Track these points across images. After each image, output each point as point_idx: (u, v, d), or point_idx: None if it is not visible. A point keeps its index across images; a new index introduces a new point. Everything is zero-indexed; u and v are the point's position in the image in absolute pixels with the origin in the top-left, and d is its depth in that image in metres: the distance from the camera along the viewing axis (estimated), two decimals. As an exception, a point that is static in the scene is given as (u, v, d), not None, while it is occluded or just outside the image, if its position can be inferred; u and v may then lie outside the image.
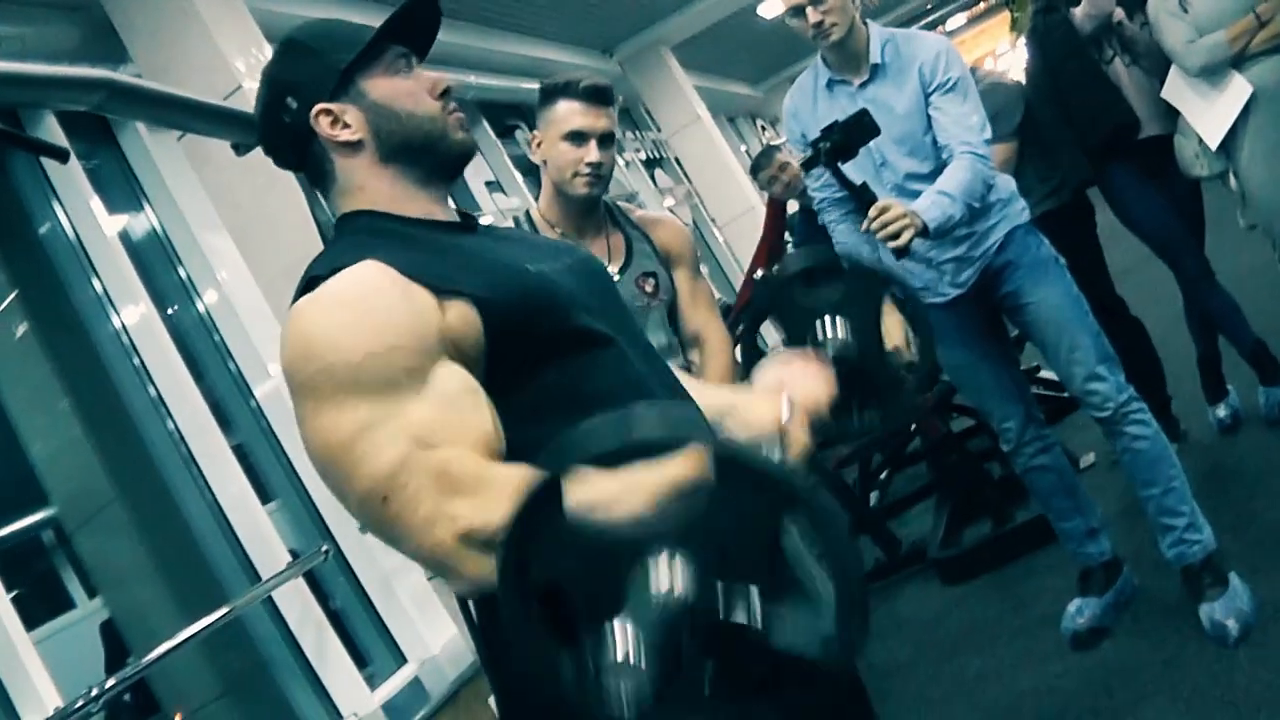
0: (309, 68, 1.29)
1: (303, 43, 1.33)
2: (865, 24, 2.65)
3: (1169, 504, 2.62)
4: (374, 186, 1.29)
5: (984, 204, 2.60)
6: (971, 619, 3.34)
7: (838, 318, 1.48)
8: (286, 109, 1.28)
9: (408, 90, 1.30)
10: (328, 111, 1.27)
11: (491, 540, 1.03)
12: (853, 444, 4.10)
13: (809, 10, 2.56)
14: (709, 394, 1.36)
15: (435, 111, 1.30)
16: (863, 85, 2.64)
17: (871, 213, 2.38)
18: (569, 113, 2.13)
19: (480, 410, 1.14)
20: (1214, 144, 3.16)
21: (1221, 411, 3.56)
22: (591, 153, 2.11)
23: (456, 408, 1.12)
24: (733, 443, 0.98)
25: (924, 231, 2.40)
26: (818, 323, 1.50)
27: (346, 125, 1.27)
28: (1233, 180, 3.25)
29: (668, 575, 0.87)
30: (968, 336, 2.75)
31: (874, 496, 4.54)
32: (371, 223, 1.28)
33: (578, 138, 2.11)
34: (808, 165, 2.50)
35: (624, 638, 0.86)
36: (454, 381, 1.13)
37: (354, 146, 1.28)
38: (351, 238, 1.26)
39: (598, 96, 2.14)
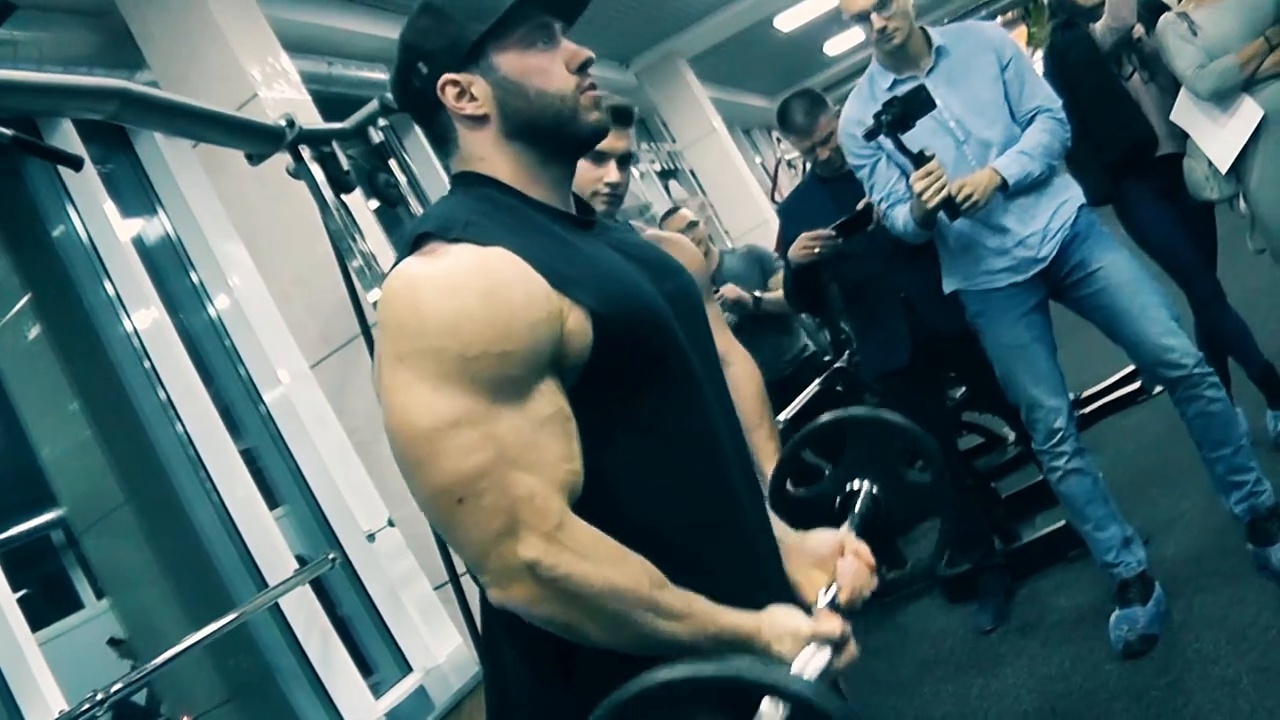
0: (442, 34, 1.24)
1: (439, 7, 1.26)
2: (920, 27, 2.84)
3: (1239, 461, 2.76)
4: (496, 161, 1.26)
5: (1058, 170, 2.78)
6: (976, 638, 3.34)
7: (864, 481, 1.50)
8: (417, 73, 1.25)
9: (540, 66, 1.25)
10: (455, 83, 1.24)
11: (554, 580, 1.07)
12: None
13: (874, 17, 2.74)
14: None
15: (568, 89, 1.26)
16: (929, 71, 2.80)
17: (921, 171, 2.59)
18: None
19: (569, 441, 1.13)
20: (1224, 167, 3.16)
21: None
22: (611, 173, 2.13)
23: (550, 432, 1.11)
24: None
25: (1004, 187, 2.66)
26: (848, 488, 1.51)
27: (473, 98, 1.24)
28: (1242, 204, 3.26)
29: None
30: (1029, 315, 2.81)
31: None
32: (494, 193, 1.25)
33: (598, 157, 2.12)
34: (869, 135, 2.69)
35: None
36: (552, 405, 1.12)
37: (479, 120, 1.25)
38: (472, 202, 1.24)
39: (619, 118, 2.15)
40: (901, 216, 2.82)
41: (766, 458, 2.35)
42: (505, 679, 1.31)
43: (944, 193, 2.61)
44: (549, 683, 1.23)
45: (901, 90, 2.72)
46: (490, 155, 1.26)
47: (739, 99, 11.16)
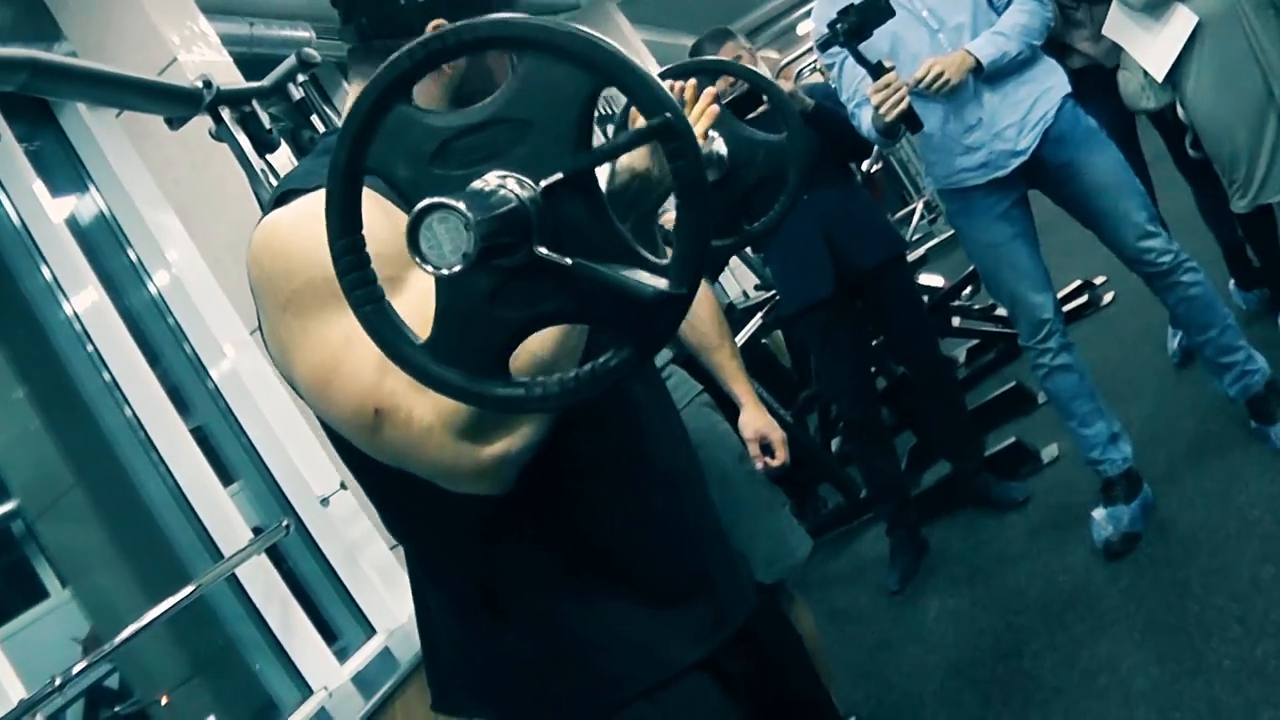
0: None
1: None
2: None
3: (1226, 342, 2.74)
4: None
5: (1039, 56, 2.72)
6: (930, 561, 3.37)
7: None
8: None
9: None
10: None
11: (475, 420, 1.00)
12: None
13: None
14: None
15: None
16: None
17: (878, 84, 2.53)
18: None
19: None
20: (1160, 76, 3.14)
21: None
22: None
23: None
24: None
25: (978, 69, 2.62)
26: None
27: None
28: (1180, 111, 3.25)
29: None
30: (1010, 211, 2.78)
31: (835, 444, 4.53)
32: None
33: None
34: (823, 46, 2.64)
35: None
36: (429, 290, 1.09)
37: (438, 74, 1.18)
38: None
39: None
40: (867, 119, 2.77)
41: (730, 376, 2.35)
42: (433, 627, 1.31)
43: (903, 105, 2.55)
44: (472, 625, 1.24)
45: None
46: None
47: (674, 40, 11.00)
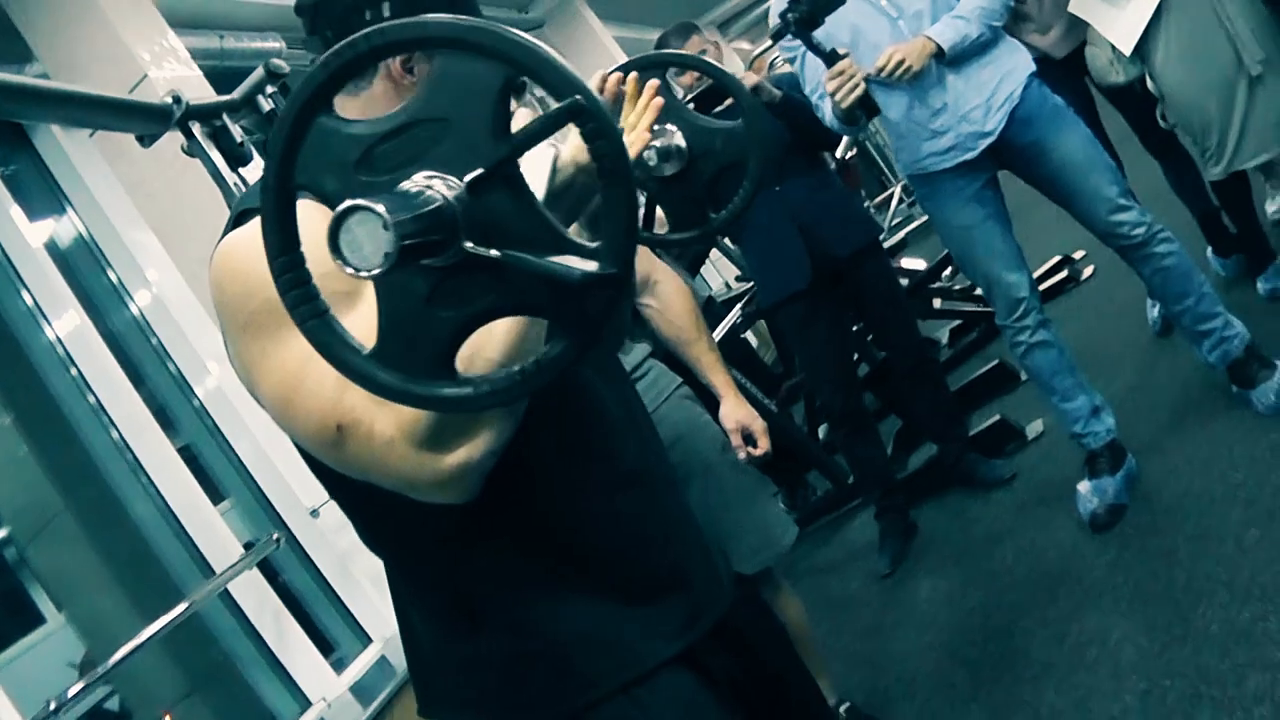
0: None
1: None
2: None
3: (1204, 309, 2.75)
4: None
5: (1001, 36, 2.73)
6: (920, 543, 3.38)
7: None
8: (376, 9, 1.16)
9: None
10: None
11: (435, 430, 1.01)
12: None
13: None
14: None
15: None
16: None
17: (832, 71, 2.54)
18: None
19: None
20: (1128, 50, 3.15)
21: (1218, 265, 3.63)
22: None
23: None
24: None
25: (940, 54, 2.62)
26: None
27: (411, 72, 1.18)
28: (1149, 83, 3.27)
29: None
30: (980, 193, 2.78)
31: (822, 431, 4.53)
32: None
33: None
34: (776, 36, 2.64)
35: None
36: None
37: (402, 89, 1.18)
38: None
39: None
40: (828, 109, 2.78)
41: (709, 368, 2.35)
42: (415, 634, 1.32)
43: (858, 91, 2.57)
44: (451, 631, 1.25)
45: None
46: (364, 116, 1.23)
47: (645, 35, 10.98)
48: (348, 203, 0.80)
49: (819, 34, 2.63)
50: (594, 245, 0.85)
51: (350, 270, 0.82)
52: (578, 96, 0.81)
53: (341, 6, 1.18)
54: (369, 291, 1.01)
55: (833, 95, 2.58)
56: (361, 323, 0.97)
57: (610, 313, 0.88)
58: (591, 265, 0.83)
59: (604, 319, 0.88)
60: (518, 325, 1.01)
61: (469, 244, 0.84)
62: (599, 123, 0.82)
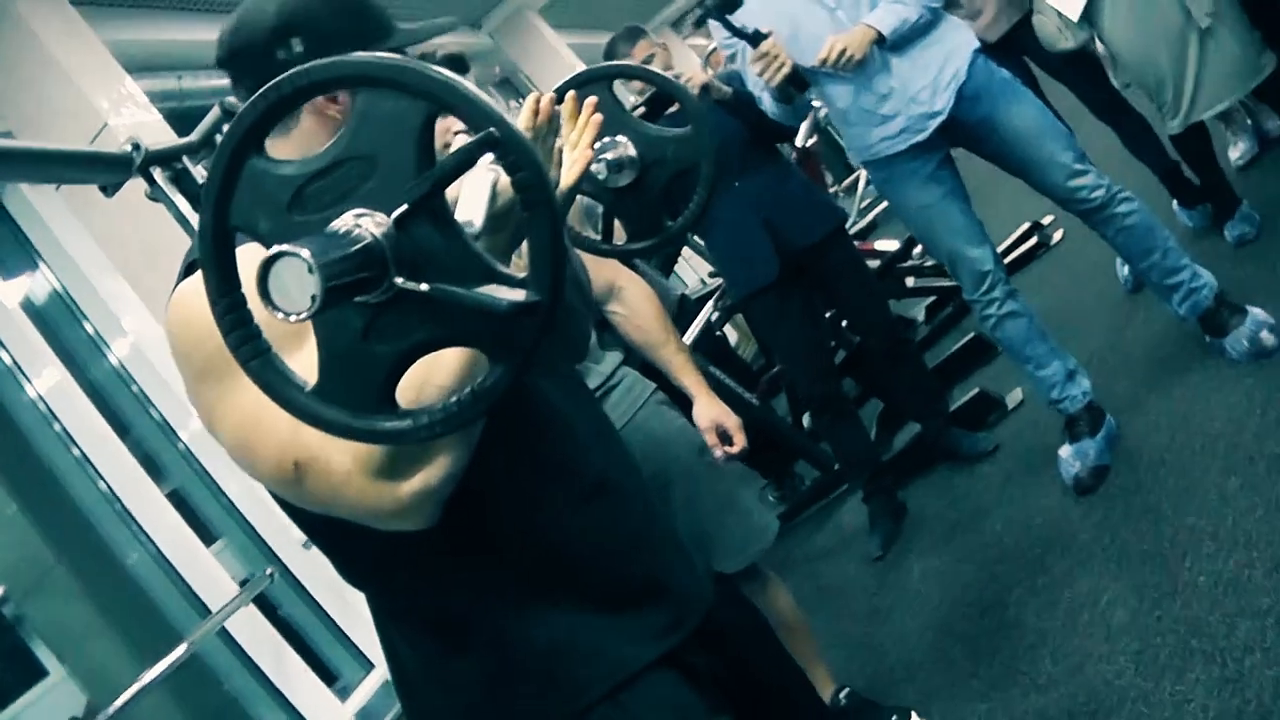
0: (340, 22, 1.18)
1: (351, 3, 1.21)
2: None
3: (1170, 263, 2.76)
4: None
5: (942, 16, 2.72)
6: (910, 522, 3.39)
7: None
8: (287, 47, 1.16)
9: None
10: None
11: (389, 460, 1.02)
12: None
13: None
14: None
15: None
16: None
17: (755, 54, 2.55)
18: None
19: None
20: (1076, 15, 3.18)
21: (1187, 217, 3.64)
22: (457, 122, 2.10)
23: None
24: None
25: (880, 40, 2.62)
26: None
27: (336, 100, 1.18)
28: (1099, 45, 3.30)
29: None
30: (936, 173, 2.79)
31: (806, 419, 4.53)
32: None
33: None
34: (697, 23, 2.61)
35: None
36: None
37: (325, 120, 1.19)
38: None
39: (454, 68, 2.12)
40: (769, 100, 2.79)
41: (679, 369, 2.36)
42: (400, 660, 1.33)
43: (785, 70, 2.58)
44: (434, 653, 1.26)
45: None
46: (295, 154, 1.23)
47: (599, 41, 10.98)
48: (274, 249, 0.82)
49: (760, 24, 2.64)
50: (521, 275, 0.87)
51: (280, 315, 0.83)
52: (491, 129, 0.83)
53: (255, 51, 1.19)
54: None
55: (761, 76, 2.59)
56: (308, 361, 0.98)
57: (539, 339, 0.89)
58: (519, 294, 0.85)
59: (534, 346, 0.89)
60: (465, 353, 1.02)
61: (399, 279, 0.85)
62: (517, 154, 0.85)
